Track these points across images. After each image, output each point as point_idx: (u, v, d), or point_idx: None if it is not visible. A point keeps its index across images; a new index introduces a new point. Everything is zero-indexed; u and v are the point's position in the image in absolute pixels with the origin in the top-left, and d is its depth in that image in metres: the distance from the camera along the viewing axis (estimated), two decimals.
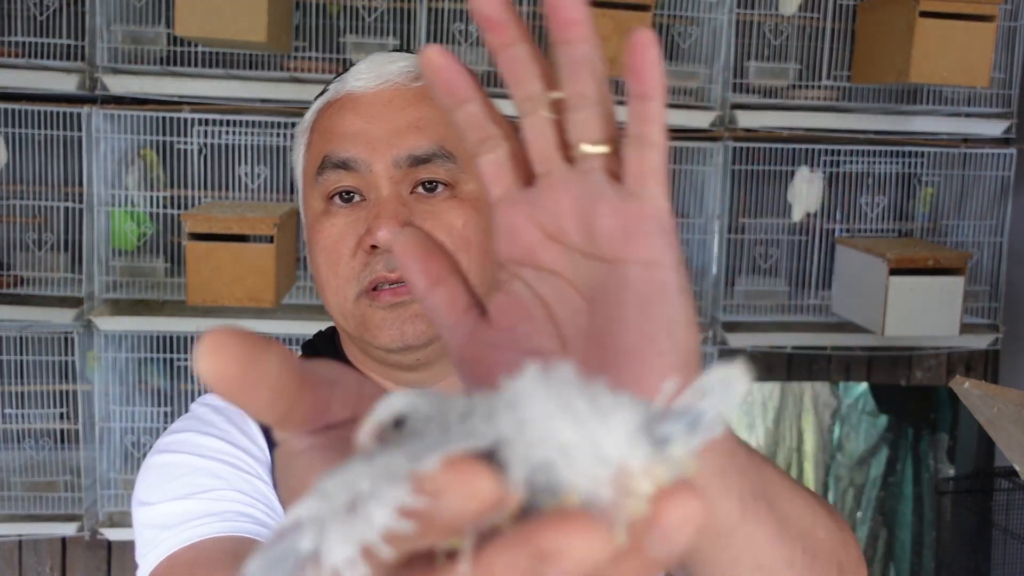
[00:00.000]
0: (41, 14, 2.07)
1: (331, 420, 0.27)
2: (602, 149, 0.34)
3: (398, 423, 0.23)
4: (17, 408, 2.08)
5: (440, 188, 0.72)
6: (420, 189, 0.72)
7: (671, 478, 0.22)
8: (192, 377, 2.10)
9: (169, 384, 2.11)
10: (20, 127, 2.00)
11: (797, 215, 2.18)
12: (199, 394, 1.19)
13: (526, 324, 0.35)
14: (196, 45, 2.02)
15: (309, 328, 1.64)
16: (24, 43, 2.01)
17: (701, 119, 2.07)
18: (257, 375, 0.24)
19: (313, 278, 0.76)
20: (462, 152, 0.73)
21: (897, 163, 2.30)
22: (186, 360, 2.06)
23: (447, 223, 0.70)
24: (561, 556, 0.20)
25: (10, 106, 1.98)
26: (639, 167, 0.33)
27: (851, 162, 2.27)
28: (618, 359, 0.33)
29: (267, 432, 0.74)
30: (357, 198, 0.72)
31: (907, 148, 2.24)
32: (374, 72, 0.73)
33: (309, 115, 0.78)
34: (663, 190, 0.33)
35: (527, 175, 0.36)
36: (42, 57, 1.99)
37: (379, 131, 0.72)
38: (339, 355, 0.79)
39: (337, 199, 0.72)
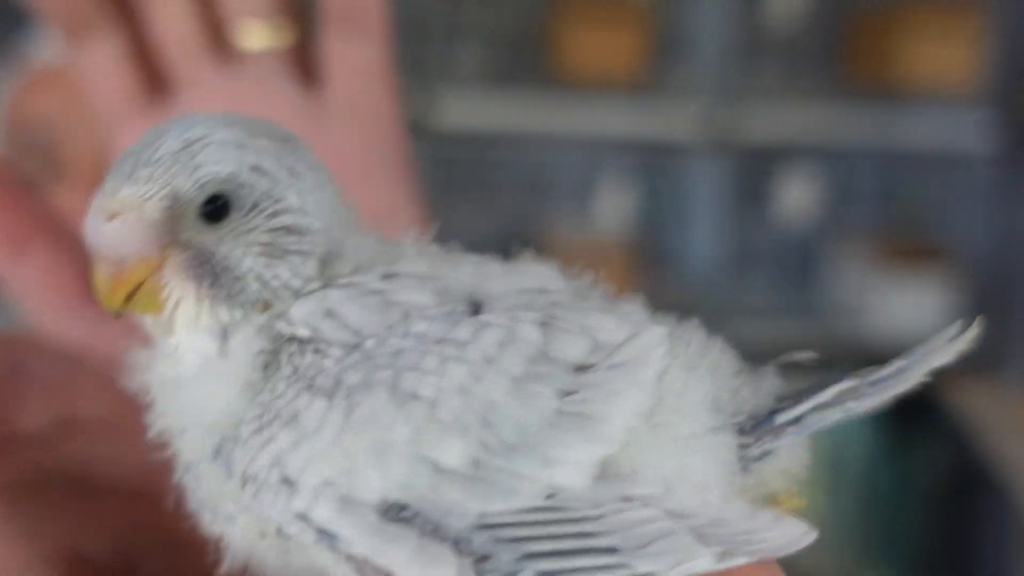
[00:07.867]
0: None
1: (18, 427, 0.17)
2: (277, 36, 0.20)
3: None
4: None
5: None
6: None
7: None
8: None
9: None
10: None
11: (787, 215, 2.22)
12: None
13: None
14: None
15: None
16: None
17: (692, 120, 2.10)
18: None
19: None
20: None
21: (885, 164, 2.33)
22: None
23: None
24: None
25: None
26: (350, 64, 0.20)
27: (841, 162, 2.30)
28: None
29: None
30: None
31: (895, 149, 2.27)
32: None
33: None
34: (390, 99, 0.20)
35: (154, 84, 0.21)
36: None
37: None
38: None
39: None
